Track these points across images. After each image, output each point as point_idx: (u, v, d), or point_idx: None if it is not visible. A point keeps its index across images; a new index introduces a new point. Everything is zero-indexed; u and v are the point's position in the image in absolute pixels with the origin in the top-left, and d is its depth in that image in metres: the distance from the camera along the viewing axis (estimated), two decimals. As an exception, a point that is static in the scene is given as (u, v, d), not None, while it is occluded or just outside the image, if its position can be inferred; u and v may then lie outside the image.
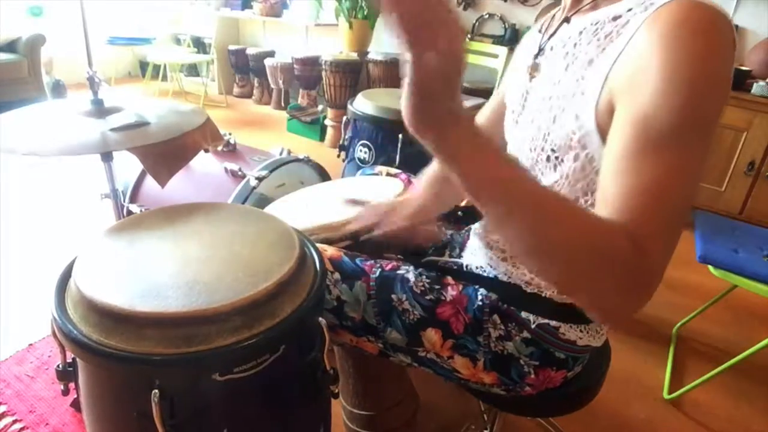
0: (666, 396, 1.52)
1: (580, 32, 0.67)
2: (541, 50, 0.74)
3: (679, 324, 1.83)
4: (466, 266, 0.89)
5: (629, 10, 0.61)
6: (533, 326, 0.77)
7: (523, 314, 0.78)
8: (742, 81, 2.41)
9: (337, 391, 0.79)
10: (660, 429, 1.41)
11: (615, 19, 0.62)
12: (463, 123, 0.46)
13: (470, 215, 1.03)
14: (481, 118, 1.00)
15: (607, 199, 0.52)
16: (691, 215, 1.73)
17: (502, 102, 0.90)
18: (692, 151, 0.51)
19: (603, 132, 0.60)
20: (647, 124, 0.52)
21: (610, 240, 0.47)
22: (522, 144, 0.76)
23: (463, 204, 1.12)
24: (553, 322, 0.76)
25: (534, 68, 0.74)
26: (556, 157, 0.68)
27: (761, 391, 1.58)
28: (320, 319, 0.73)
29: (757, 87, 2.33)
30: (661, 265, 0.49)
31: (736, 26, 2.74)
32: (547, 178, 0.71)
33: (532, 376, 0.79)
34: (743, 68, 2.44)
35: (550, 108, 0.68)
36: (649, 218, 0.49)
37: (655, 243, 0.48)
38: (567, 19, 0.72)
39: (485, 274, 0.84)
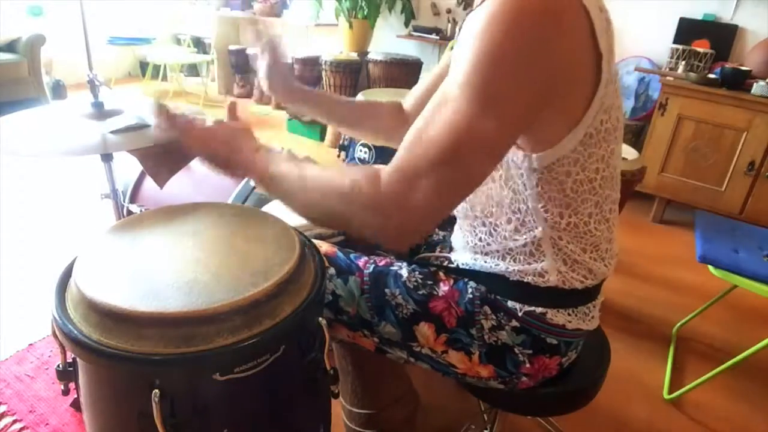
0: (666, 396, 1.52)
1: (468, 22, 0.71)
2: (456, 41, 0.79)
3: (679, 324, 1.83)
4: (455, 261, 0.89)
5: None
6: (520, 314, 0.77)
7: (510, 303, 0.78)
8: (742, 81, 2.41)
9: (337, 391, 0.79)
10: (660, 429, 1.42)
11: None
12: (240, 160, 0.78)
13: None
14: (411, 98, 1.08)
15: None
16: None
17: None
18: (458, 108, 0.59)
19: None
20: (441, 94, 0.63)
21: (341, 189, 0.65)
22: None
23: None
24: (539, 309, 0.77)
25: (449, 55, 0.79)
26: None
27: (761, 391, 1.58)
28: (320, 319, 0.73)
29: (757, 87, 2.33)
30: (407, 187, 0.61)
31: (736, 26, 2.74)
32: None
33: (527, 365, 0.80)
34: (743, 68, 2.44)
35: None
36: (400, 154, 0.62)
37: (400, 170, 0.61)
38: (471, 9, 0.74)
39: (472, 269, 0.85)
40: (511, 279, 0.78)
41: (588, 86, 0.64)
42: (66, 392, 0.74)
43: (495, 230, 0.78)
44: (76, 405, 1.31)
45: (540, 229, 0.73)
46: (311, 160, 0.74)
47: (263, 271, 0.69)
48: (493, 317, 0.79)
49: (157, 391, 0.59)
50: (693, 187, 2.59)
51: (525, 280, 0.77)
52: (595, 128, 0.67)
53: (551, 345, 0.79)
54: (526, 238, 0.75)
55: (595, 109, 0.65)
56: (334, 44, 4.14)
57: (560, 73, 0.61)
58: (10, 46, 3.68)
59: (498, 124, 0.60)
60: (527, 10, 0.58)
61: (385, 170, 0.63)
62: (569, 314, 0.78)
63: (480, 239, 0.81)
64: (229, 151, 0.79)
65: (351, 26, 3.72)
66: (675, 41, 2.85)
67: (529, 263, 0.76)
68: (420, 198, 0.61)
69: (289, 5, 4.42)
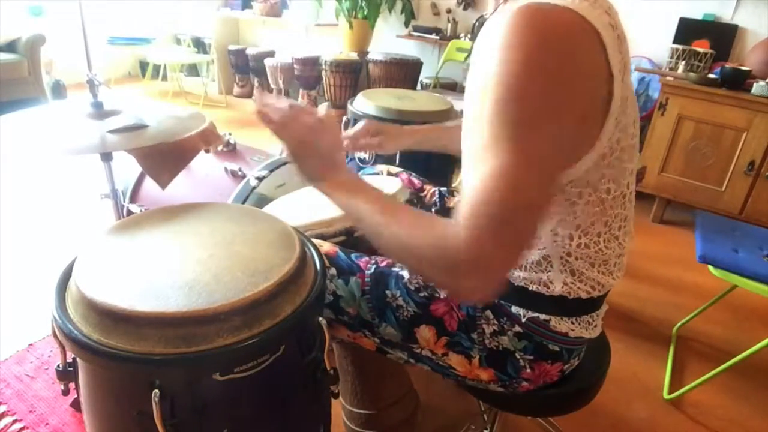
0: (666, 396, 1.52)
1: (483, 32, 0.70)
2: (470, 52, 0.78)
3: (679, 324, 1.83)
4: None
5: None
6: (524, 320, 0.77)
7: (514, 308, 0.78)
8: (742, 81, 2.41)
9: (337, 391, 0.79)
10: (660, 429, 1.42)
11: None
12: (329, 177, 0.75)
13: None
14: None
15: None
16: (693, 215, 1.73)
17: None
18: (506, 155, 0.56)
19: None
20: (473, 139, 0.62)
21: (424, 241, 0.60)
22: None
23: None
24: (543, 316, 0.77)
25: (468, 68, 0.78)
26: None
27: (761, 391, 1.58)
28: (320, 318, 0.73)
29: (757, 87, 2.33)
30: (481, 250, 0.56)
31: (736, 26, 2.74)
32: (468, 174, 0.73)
33: (528, 370, 0.79)
34: (743, 68, 2.44)
35: (466, 112, 0.74)
36: (467, 215, 0.57)
37: (472, 234, 0.56)
38: (483, 22, 0.75)
39: None
40: (515, 285, 0.77)
41: (601, 106, 0.62)
42: (66, 392, 0.74)
43: None
44: (76, 405, 1.31)
45: (548, 248, 0.73)
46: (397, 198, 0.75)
47: (263, 271, 0.69)
48: (495, 322, 0.79)
49: (157, 391, 0.59)
50: (693, 187, 2.59)
51: (530, 288, 0.76)
52: (611, 148, 0.66)
53: (554, 352, 0.79)
54: (534, 255, 0.75)
55: (610, 130, 0.64)
56: (334, 44, 4.15)
57: (579, 97, 0.60)
58: (10, 46, 3.68)
59: (539, 168, 0.57)
60: (538, 40, 0.56)
61: (458, 231, 0.58)
62: (572, 323, 0.78)
63: None
64: (321, 160, 0.76)
65: (351, 26, 3.72)
66: (675, 41, 2.85)
67: (536, 272, 0.75)
68: (494, 257, 0.56)
69: (289, 5, 4.42)
